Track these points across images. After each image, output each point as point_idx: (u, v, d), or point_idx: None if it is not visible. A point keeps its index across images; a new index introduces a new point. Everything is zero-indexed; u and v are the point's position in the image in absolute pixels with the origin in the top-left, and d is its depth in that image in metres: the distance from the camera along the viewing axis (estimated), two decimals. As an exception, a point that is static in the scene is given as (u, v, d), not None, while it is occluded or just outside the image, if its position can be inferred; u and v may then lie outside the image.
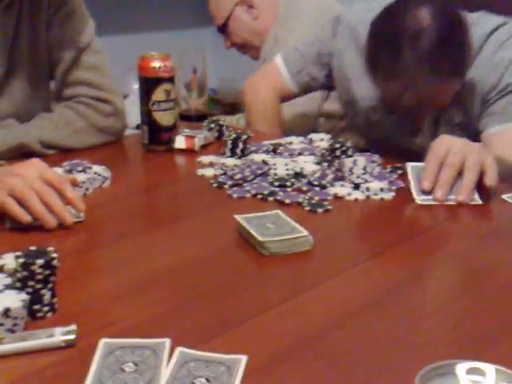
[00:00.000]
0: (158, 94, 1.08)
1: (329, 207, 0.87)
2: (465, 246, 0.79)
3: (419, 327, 0.61)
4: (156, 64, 1.07)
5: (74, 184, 0.85)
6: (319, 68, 1.35)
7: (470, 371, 0.44)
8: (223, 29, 1.78)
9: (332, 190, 0.93)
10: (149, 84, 1.08)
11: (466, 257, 0.76)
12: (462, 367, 0.44)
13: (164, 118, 1.10)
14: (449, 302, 0.67)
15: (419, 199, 0.89)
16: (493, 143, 1.11)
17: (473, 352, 0.54)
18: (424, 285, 0.69)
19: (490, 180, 0.88)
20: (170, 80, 1.09)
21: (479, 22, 1.16)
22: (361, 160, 0.96)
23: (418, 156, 0.96)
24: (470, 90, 1.15)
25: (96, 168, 0.96)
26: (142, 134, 1.12)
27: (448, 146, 0.90)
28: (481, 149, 0.91)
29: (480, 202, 0.88)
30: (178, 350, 0.54)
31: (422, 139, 1.22)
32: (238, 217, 0.80)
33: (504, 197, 0.89)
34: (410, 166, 0.93)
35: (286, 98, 1.41)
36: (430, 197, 0.89)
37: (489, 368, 0.44)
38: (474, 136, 1.14)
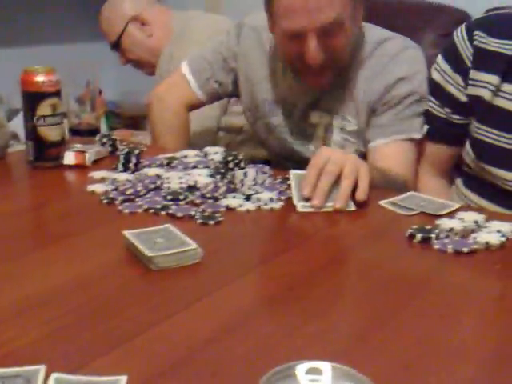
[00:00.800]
0: (44, 109, 1.05)
1: (220, 219, 0.88)
2: (345, 249, 0.84)
3: (305, 330, 0.62)
4: (40, 78, 1.04)
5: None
6: (226, 74, 1.36)
7: (310, 371, 0.46)
8: (117, 46, 1.77)
9: (224, 202, 0.94)
10: (33, 99, 1.05)
11: (346, 259, 0.80)
12: (301, 368, 0.46)
13: (50, 133, 1.06)
14: (335, 303, 0.70)
15: (299, 206, 0.93)
16: (377, 156, 1.18)
17: (344, 353, 0.57)
18: (309, 289, 0.72)
19: (360, 194, 0.92)
20: (56, 94, 1.06)
21: (371, 29, 1.23)
22: (251, 172, 0.98)
23: None
24: (359, 97, 1.21)
25: (-25, 187, 0.91)
26: (26, 151, 1.08)
27: (327, 156, 0.94)
28: (357, 159, 0.96)
29: (354, 208, 0.92)
30: (53, 376, 0.53)
31: (315, 146, 1.27)
32: (125, 232, 0.79)
33: (380, 203, 0.94)
34: (293, 174, 0.97)
35: (194, 107, 1.41)
36: (309, 205, 0.92)
37: (325, 366, 0.46)
38: (365, 145, 1.22)
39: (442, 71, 1.17)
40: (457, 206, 0.93)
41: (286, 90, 1.28)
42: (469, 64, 1.12)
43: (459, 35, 1.14)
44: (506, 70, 1.08)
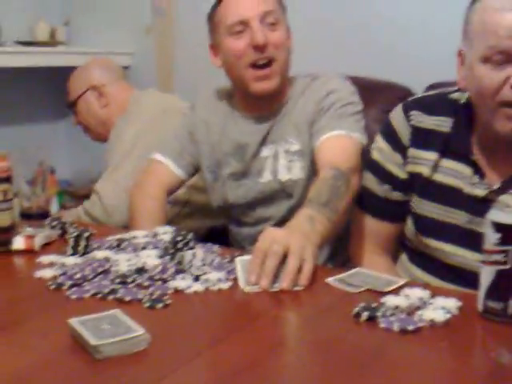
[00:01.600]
0: (-7, 196, 1.05)
1: (168, 302, 0.88)
2: (293, 330, 0.85)
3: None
4: (-10, 165, 1.05)
5: None
6: (193, 145, 1.45)
7: None
8: (72, 106, 1.87)
9: (173, 284, 0.94)
10: (-19, 186, 1.05)
11: (294, 341, 0.81)
12: None
13: (0, 218, 1.06)
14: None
15: (247, 288, 0.94)
16: (321, 152, 1.26)
17: None
18: (258, 372, 0.72)
19: (302, 280, 0.93)
20: (7, 180, 1.07)
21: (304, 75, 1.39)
22: (200, 252, 1.00)
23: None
24: (298, 119, 1.33)
25: None
26: (-26, 238, 1.07)
27: (272, 237, 0.96)
28: (302, 238, 0.98)
29: (301, 287, 0.93)
30: None
31: (265, 177, 1.37)
32: (70, 321, 0.78)
33: (327, 280, 0.96)
34: (238, 260, 0.99)
35: (173, 188, 1.47)
36: (257, 286, 0.93)
37: None
38: (311, 162, 1.31)
39: (381, 150, 1.22)
40: (402, 282, 0.95)
41: (238, 134, 1.40)
42: (407, 143, 1.17)
43: (396, 116, 1.20)
44: (444, 146, 1.13)
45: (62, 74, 2.54)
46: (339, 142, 1.26)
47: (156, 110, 1.72)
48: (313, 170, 1.29)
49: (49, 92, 2.60)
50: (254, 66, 1.30)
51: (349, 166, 1.20)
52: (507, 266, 0.81)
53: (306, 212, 1.06)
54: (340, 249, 1.42)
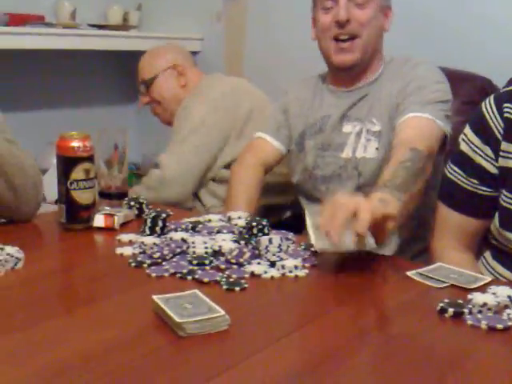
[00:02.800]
0: (77, 173, 1.09)
1: (245, 285, 0.89)
2: (373, 322, 0.83)
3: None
4: (75, 144, 1.08)
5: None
6: (288, 121, 1.53)
7: None
8: (146, 84, 1.88)
9: (249, 268, 0.95)
10: (67, 163, 1.09)
11: (375, 334, 0.80)
12: None
13: (82, 196, 1.10)
14: (364, 379, 0.70)
15: (318, 245, 0.93)
16: (401, 130, 1.28)
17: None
18: (337, 364, 0.71)
19: (359, 227, 0.91)
20: (89, 159, 1.10)
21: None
22: (276, 238, 1.00)
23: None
24: (383, 101, 1.36)
25: (8, 249, 0.93)
26: (59, 213, 1.11)
27: (342, 197, 0.96)
28: (371, 202, 0.96)
29: (375, 246, 0.92)
30: None
31: (346, 153, 1.41)
32: (155, 297, 0.80)
33: (408, 273, 0.94)
34: (308, 214, 0.98)
35: (273, 161, 1.53)
36: (328, 242, 0.92)
37: None
38: (387, 144, 1.34)
39: (471, 143, 1.17)
40: (489, 279, 0.92)
41: (322, 106, 1.46)
42: (499, 136, 1.12)
43: (488, 108, 1.15)
44: None
45: (133, 58, 2.60)
46: (421, 123, 1.27)
47: (226, 90, 1.76)
48: (386, 152, 1.33)
49: (119, 75, 2.66)
50: (337, 39, 1.37)
51: (427, 148, 1.20)
52: None
53: (380, 194, 1.03)
54: (411, 242, 1.39)
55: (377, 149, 1.37)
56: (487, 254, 1.21)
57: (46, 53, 2.12)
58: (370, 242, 0.92)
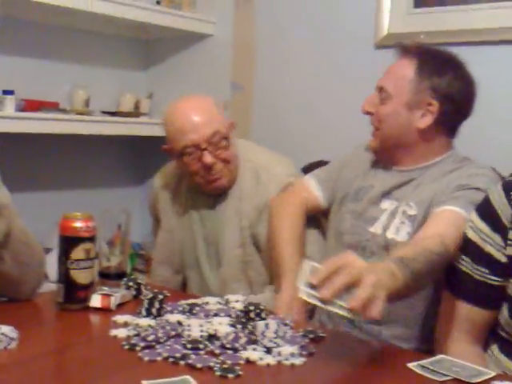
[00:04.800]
0: (78, 253, 1.10)
1: (240, 372, 0.87)
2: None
3: None
4: (78, 224, 1.10)
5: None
6: (339, 177, 1.54)
7: None
8: (227, 139, 1.58)
9: (244, 354, 0.93)
10: (68, 243, 1.10)
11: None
12: None
13: (81, 276, 1.10)
14: None
15: (304, 291, 0.88)
16: (435, 220, 1.24)
17: None
18: None
19: (374, 311, 0.88)
20: (91, 239, 1.12)
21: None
22: (273, 323, 0.99)
23: None
24: (426, 190, 1.35)
25: (3, 328, 0.93)
26: (57, 293, 1.11)
27: (352, 260, 0.93)
28: (379, 277, 0.93)
29: (360, 318, 0.88)
30: None
31: (375, 228, 1.39)
32: (145, 383, 0.78)
33: (409, 365, 0.92)
34: (307, 262, 0.94)
35: (311, 209, 1.54)
36: (313, 295, 0.88)
37: None
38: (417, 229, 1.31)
39: (479, 231, 1.15)
40: (492, 373, 0.89)
41: (369, 175, 1.48)
42: (508, 224, 1.11)
43: (496, 195, 1.15)
44: None
45: (143, 143, 2.68)
46: (455, 219, 1.23)
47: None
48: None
49: (127, 159, 2.73)
50: None
51: (453, 246, 1.17)
52: None
53: (391, 266, 1.01)
54: (416, 332, 1.36)
55: (408, 233, 1.34)
56: (494, 347, 1.16)
57: (58, 137, 2.20)
58: (357, 314, 0.88)
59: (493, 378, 0.87)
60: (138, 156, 2.74)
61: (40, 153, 2.33)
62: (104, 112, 2.40)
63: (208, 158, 1.54)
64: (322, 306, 0.88)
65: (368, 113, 1.44)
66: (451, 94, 1.37)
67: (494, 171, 1.39)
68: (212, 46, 2.53)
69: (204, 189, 1.62)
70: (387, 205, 1.41)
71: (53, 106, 2.18)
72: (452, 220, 1.23)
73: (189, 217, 1.67)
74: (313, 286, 0.88)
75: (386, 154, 1.45)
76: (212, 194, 1.63)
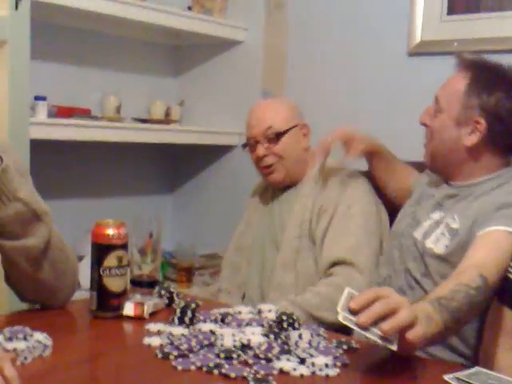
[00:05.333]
0: (110, 261, 1.10)
1: (274, 383, 0.86)
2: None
3: None
4: (110, 231, 1.10)
5: (15, 361, 0.83)
6: None
7: None
8: (277, 136, 1.69)
9: (278, 364, 0.92)
10: (101, 250, 1.10)
11: None
12: None
13: (114, 283, 1.10)
14: None
15: (342, 315, 0.90)
16: (476, 246, 1.20)
17: None
18: None
19: (386, 324, 0.89)
20: (123, 247, 1.12)
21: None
22: (306, 333, 0.97)
23: None
24: (473, 207, 1.31)
25: (37, 335, 0.94)
26: (90, 301, 1.12)
27: (390, 292, 0.94)
28: (415, 314, 0.93)
29: (395, 348, 0.89)
30: None
31: (418, 233, 1.39)
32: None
33: (445, 377, 0.90)
34: (348, 289, 0.96)
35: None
36: (354, 318, 0.90)
37: None
38: (456, 245, 1.30)
39: None
40: (528, 387, 0.87)
41: (432, 187, 1.47)
42: None
43: None
44: None
45: (174, 150, 2.70)
46: (497, 240, 1.19)
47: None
48: (453, 254, 1.30)
49: (158, 166, 2.75)
50: None
51: (496, 275, 1.14)
52: None
53: (428, 309, 1.01)
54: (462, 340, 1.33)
55: (446, 246, 1.32)
56: None
57: (90, 144, 2.22)
58: (393, 341, 0.90)
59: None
60: (169, 163, 2.76)
61: (71, 160, 2.35)
62: (135, 119, 2.42)
63: (259, 150, 1.70)
64: (359, 330, 0.90)
65: (424, 124, 1.42)
66: (499, 113, 1.32)
67: None
68: (243, 53, 2.53)
69: (265, 182, 1.78)
70: (436, 215, 1.39)
71: (84, 113, 2.20)
72: (494, 243, 1.19)
73: (269, 208, 1.78)
74: (352, 312, 0.91)
75: (436, 168, 1.44)
76: (280, 188, 1.75)
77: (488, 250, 1.17)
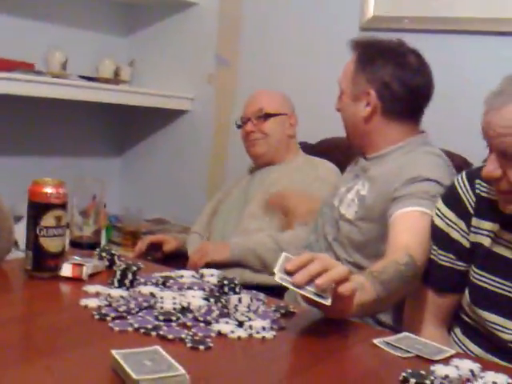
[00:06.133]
0: (48, 220, 1.07)
1: (210, 344, 0.87)
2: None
3: None
4: (48, 190, 1.07)
5: None
6: None
7: None
8: (265, 116, 1.91)
9: (216, 327, 0.93)
10: (38, 209, 1.07)
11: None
12: None
13: (51, 244, 1.08)
14: None
15: (278, 276, 0.92)
16: (396, 229, 1.23)
17: None
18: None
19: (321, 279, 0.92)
20: (62, 206, 1.09)
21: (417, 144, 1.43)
22: (246, 298, 0.98)
23: None
24: (381, 175, 1.38)
25: (-31, 294, 0.91)
26: (25, 260, 1.09)
27: (325, 255, 1.00)
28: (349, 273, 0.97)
29: (329, 303, 0.91)
30: None
31: (336, 200, 1.49)
32: (113, 352, 0.77)
33: (374, 341, 0.93)
34: (284, 253, 0.99)
35: None
36: (287, 279, 0.92)
37: None
38: (364, 211, 1.40)
39: (445, 217, 1.18)
40: (453, 351, 0.91)
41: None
42: (471, 211, 1.15)
43: (461, 183, 1.18)
44: (506, 218, 1.09)
45: (122, 112, 2.63)
46: (416, 223, 1.22)
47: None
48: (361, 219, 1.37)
49: (105, 127, 2.68)
50: None
51: (422, 255, 1.17)
52: None
53: (361, 278, 1.05)
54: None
55: (356, 212, 1.40)
56: (457, 330, 1.20)
57: (32, 100, 2.13)
58: (327, 295, 0.92)
59: (453, 356, 0.89)
60: (117, 125, 2.69)
61: (12, 116, 2.26)
62: (82, 77, 2.34)
63: (248, 126, 1.92)
64: (295, 289, 0.92)
65: (336, 110, 1.50)
66: (384, 80, 1.39)
67: (441, 156, 1.39)
68: (198, 16, 2.48)
69: (249, 155, 1.97)
70: (351, 184, 1.47)
71: (28, 67, 2.11)
72: (414, 227, 1.22)
73: (247, 180, 1.99)
74: (288, 273, 0.93)
75: (353, 145, 1.51)
76: (259, 163, 1.96)
77: (410, 234, 1.20)
